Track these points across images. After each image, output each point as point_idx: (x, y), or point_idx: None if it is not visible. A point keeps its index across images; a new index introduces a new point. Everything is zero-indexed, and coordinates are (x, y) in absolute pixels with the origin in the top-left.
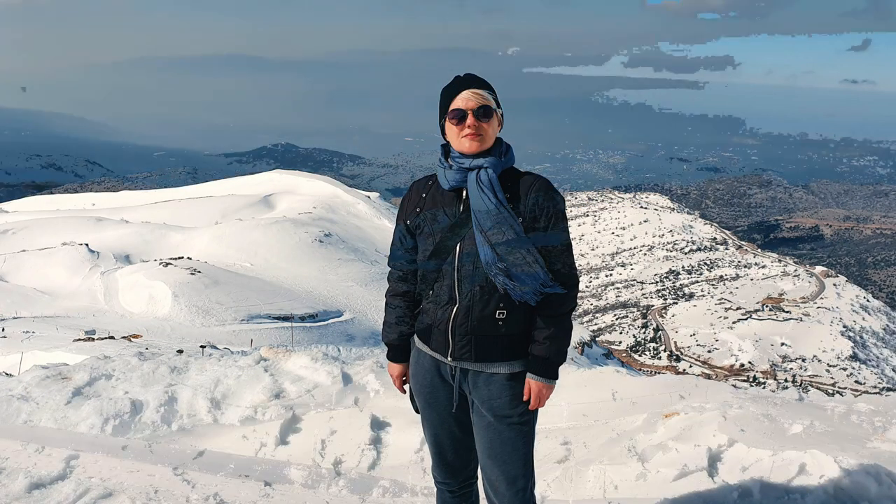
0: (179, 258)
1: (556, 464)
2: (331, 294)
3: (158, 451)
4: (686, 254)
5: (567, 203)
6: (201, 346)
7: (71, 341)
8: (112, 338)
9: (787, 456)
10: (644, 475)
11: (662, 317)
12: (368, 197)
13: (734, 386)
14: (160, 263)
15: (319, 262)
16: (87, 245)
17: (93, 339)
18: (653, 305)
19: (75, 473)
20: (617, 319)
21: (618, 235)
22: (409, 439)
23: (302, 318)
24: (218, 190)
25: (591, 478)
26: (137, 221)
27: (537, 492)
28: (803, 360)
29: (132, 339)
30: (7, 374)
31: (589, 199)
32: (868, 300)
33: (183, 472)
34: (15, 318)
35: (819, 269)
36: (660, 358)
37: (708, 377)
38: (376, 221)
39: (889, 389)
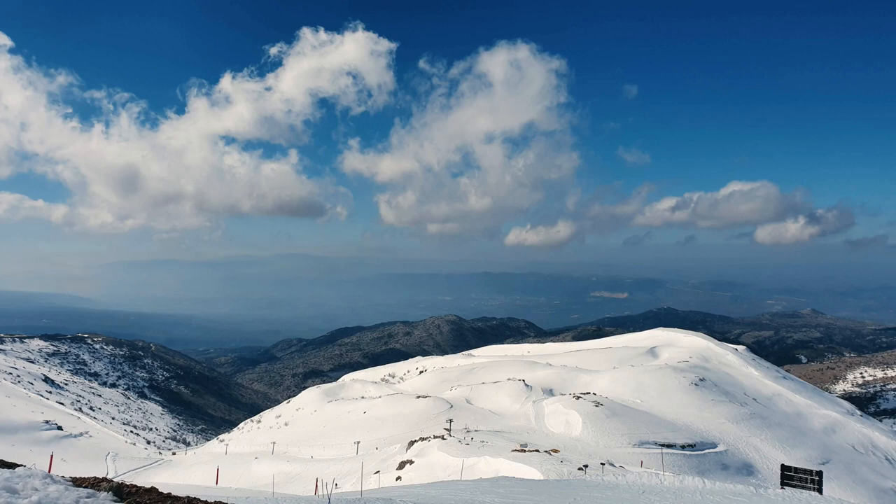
0: (587, 393)
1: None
2: (706, 428)
3: None
4: None
5: None
6: (601, 464)
7: (510, 451)
8: (537, 451)
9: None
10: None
11: None
12: (736, 349)
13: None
14: (574, 397)
15: (696, 402)
16: (523, 381)
17: (525, 451)
18: None
19: None
20: None
21: None
22: None
23: (682, 447)
24: (615, 342)
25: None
26: (558, 365)
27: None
28: None
29: (552, 453)
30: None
31: None
32: None
33: None
34: (476, 430)
35: None
36: None
37: None
38: (744, 370)
39: None
